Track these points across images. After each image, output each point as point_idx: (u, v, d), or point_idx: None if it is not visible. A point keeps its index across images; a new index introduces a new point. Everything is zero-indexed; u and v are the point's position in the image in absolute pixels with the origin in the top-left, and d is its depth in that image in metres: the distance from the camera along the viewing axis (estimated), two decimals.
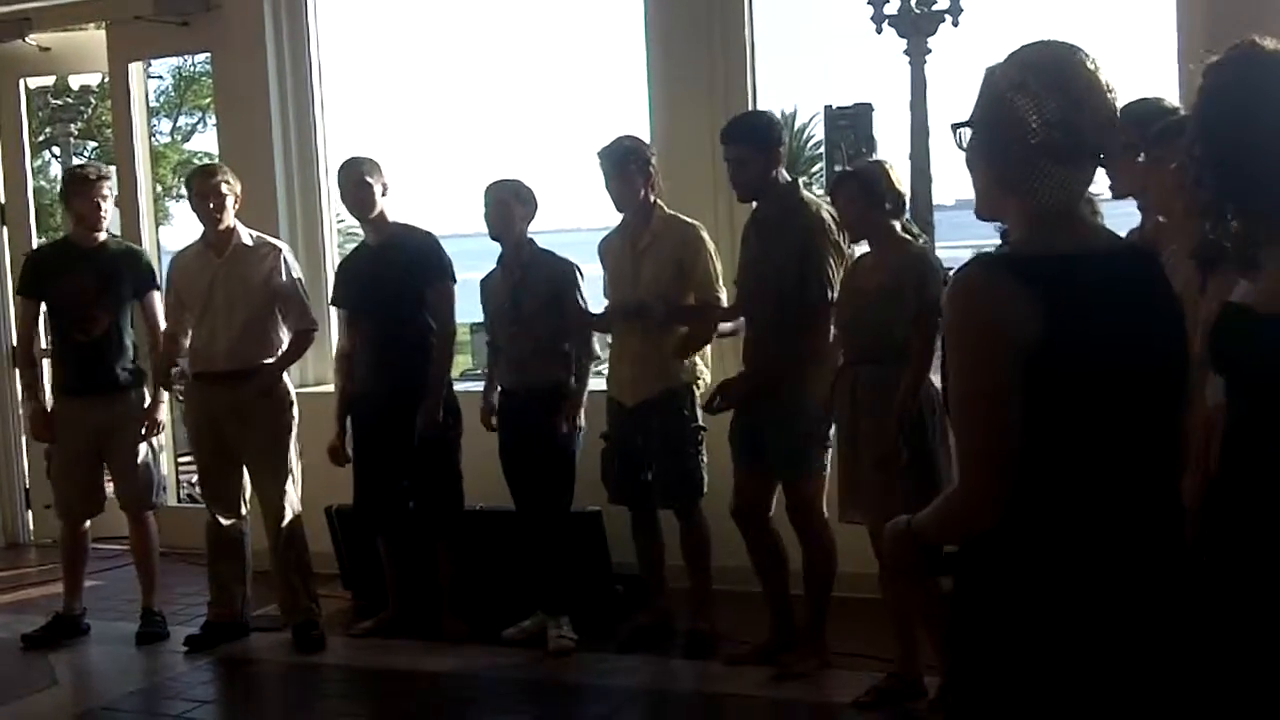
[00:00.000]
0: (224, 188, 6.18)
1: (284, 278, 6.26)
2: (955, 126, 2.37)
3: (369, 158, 6.18)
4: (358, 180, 6.11)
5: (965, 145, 2.36)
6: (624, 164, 5.74)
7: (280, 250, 6.34)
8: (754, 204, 5.51)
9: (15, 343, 6.78)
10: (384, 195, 6.14)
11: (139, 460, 6.40)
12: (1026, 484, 2.20)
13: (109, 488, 6.63)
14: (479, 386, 6.42)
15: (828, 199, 5.41)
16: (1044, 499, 2.21)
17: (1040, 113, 2.24)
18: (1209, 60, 2.56)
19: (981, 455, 2.21)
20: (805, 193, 5.53)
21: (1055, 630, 2.22)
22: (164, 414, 6.58)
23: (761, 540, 5.55)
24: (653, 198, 5.78)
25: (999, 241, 2.58)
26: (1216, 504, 2.56)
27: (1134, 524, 2.25)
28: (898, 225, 5.04)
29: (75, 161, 11.92)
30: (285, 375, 6.30)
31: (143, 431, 6.35)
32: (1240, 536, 2.47)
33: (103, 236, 6.49)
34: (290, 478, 6.23)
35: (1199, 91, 2.56)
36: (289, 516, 6.23)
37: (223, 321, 6.15)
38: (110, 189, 6.48)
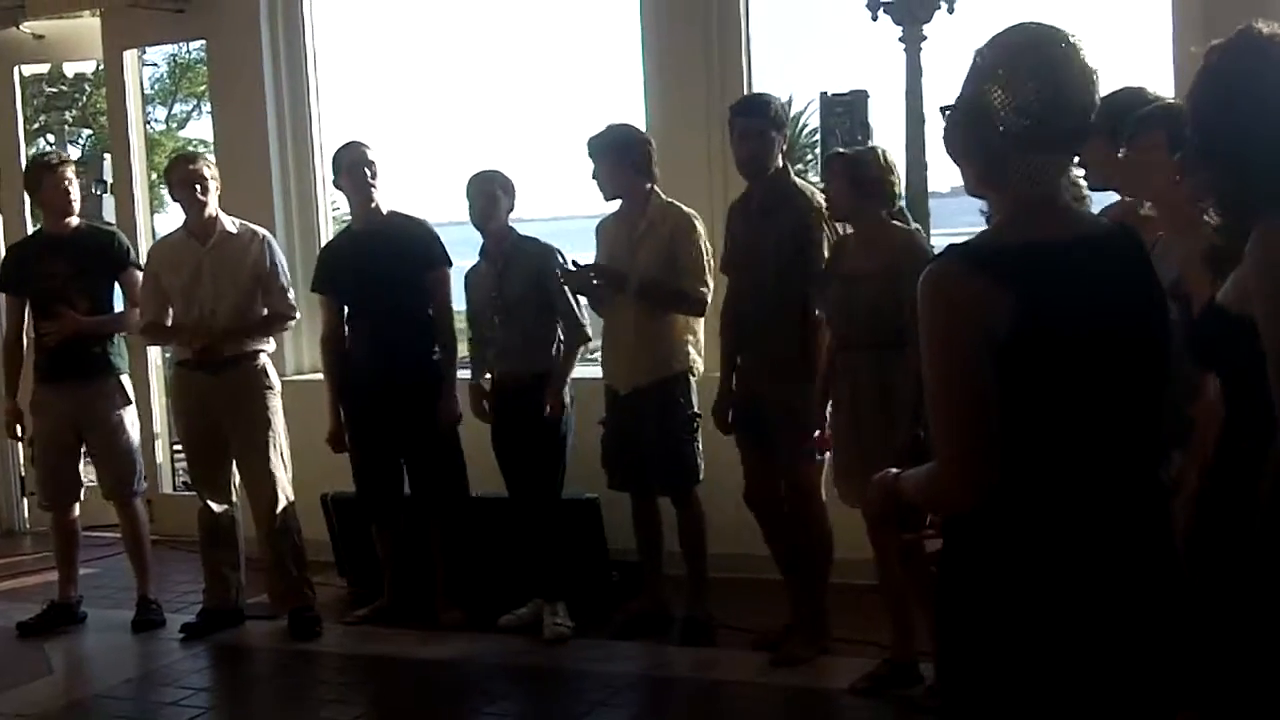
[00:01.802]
0: (207, 172, 6.17)
1: (268, 264, 6.25)
2: (944, 109, 2.35)
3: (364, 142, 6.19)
4: (365, 161, 6.10)
5: (943, 132, 2.35)
6: (612, 154, 5.73)
7: (264, 237, 6.33)
8: (748, 186, 5.51)
9: (4, 338, 6.72)
10: (376, 178, 6.14)
11: (121, 447, 6.39)
12: (1006, 468, 2.21)
13: (92, 475, 6.63)
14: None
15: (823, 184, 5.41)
16: (1023, 483, 2.22)
17: (1011, 101, 2.22)
18: (1210, 44, 2.54)
19: (954, 446, 2.23)
20: (797, 178, 5.54)
21: (1036, 612, 2.23)
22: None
23: (777, 526, 5.54)
24: (648, 185, 5.77)
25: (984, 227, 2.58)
26: (1210, 496, 2.56)
27: (1113, 507, 2.26)
28: (885, 212, 5.03)
29: (70, 149, 11.92)
30: (269, 362, 6.29)
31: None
32: (1229, 529, 2.47)
33: (75, 222, 6.48)
34: (280, 465, 6.23)
35: (1196, 78, 2.55)
36: (281, 504, 6.22)
37: (208, 309, 6.14)
38: (75, 174, 6.45)
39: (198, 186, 6.13)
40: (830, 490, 5.28)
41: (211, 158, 6.36)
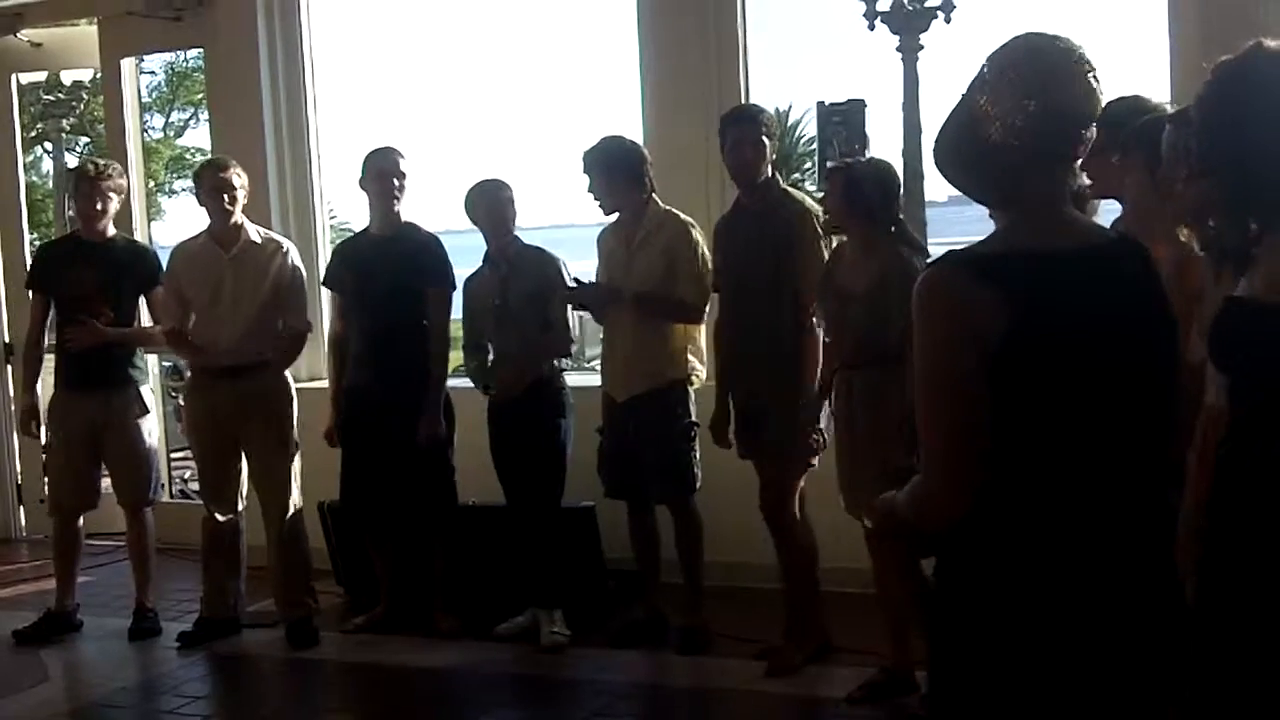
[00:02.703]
0: (236, 180, 6.18)
1: (289, 276, 6.26)
2: (938, 133, 2.36)
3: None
4: (397, 171, 6.11)
5: (936, 145, 2.35)
6: (606, 167, 5.74)
7: (286, 248, 6.34)
8: (738, 198, 5.52)
9: (25, 336, 6.76)
10: (403, 191, 6.17)
11: (140, 455, 6.41)
12: (997, 477, 2.21)
13: (105, 484, 6.63)
14: (470, 383, 6.43)
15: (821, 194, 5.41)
16: (1014, 493, 2.23)
17: (1006, 113, 2.22)
18: (1220, 59, 2.56)
19: (943, 454, 2.24)
20: (786, 187, 5.56)
21: (1028, 623, 2.23)
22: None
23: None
24: (644, 196, 5.78)
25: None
26: (1219, 503, 2.56)
27: (1108, 518, 2.26)
28: (881, 228, 4.99)
29: (68, 157, 11.92)
30: (287, 370, 6.30)
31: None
32: (1242, 535, 2.47)
33: (110, 232, 6.51)
34: (294, 473, 6.24)
35: (1203, 91, 2.56)
36: (291, 510, 6.24)
37: (228, 317, 6.15)
38: (114, 186, 6.46)
39: (226, 196, 6.14)
40: (822, 499, 5.28)
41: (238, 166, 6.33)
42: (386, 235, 6.14)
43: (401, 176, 6.12)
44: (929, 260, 5.02)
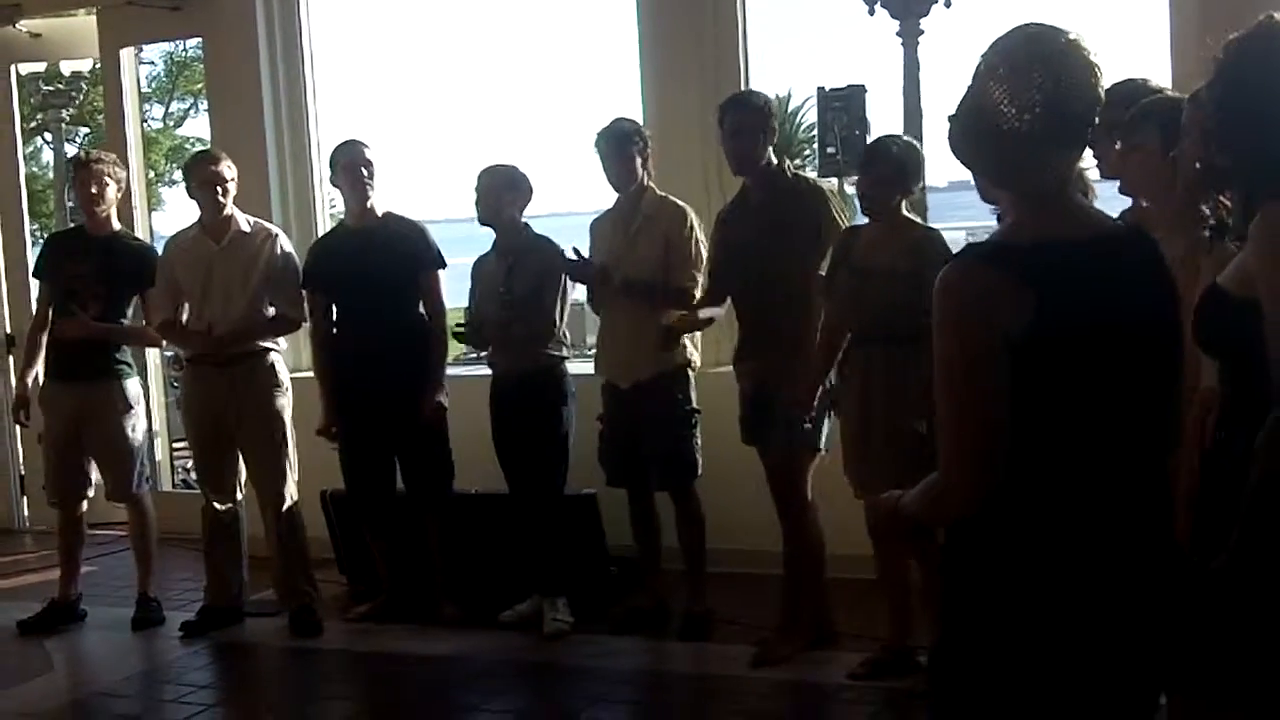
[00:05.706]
0: (227, 172, 6.17)
1: (280, 264, 6.26)
2: (951, 118, 2.36)
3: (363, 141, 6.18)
4: (364, 161, 6.10)
5: (949, 138, 2.35)
6: (623, 145, 5.74)
7: (277, 236, 6.34)
8: (743, 186, 5.50)
9: (31, 322, 6.77)
10: (373, 178, 6.15)
11: (118, 449, 6.39)
12: (1013, 470, 2.21)
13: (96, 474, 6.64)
14: (472, 371, 6.43)
15: (830, 180, 5.39)
16: (1030, 484, 2.22)
17: (1014, 99, 2.22)
18: (1230, 36, 2.56)
19: (963, 448, 2.23)
20: (795, 171, 5.55)
21: (1039, 611, 2.23)
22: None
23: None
24: (644, 180, 5.78)
25: (994, 223, 2.59)
26: (1209, 483, 2.57)
27: (1120, 506, 2.26)
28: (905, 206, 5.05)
29: (68, 148, 11.91)
30: (280, 359, 6.30)
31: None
32: (1232, 517, 2.48)
33: (115, 227, 6.52)
34: (287, 462, 6.24)
35: (1218, 68, 2.56)
36: (288, 501, 6.24)
37: (220, 307, 6.15)
38: (110, 173, 6.45)
39: (219, 188, 6.14)
40: (828, 487, 5.28)
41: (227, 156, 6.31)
42: (366, 227, 6.13)
43: (369, 165, 6.11)
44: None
